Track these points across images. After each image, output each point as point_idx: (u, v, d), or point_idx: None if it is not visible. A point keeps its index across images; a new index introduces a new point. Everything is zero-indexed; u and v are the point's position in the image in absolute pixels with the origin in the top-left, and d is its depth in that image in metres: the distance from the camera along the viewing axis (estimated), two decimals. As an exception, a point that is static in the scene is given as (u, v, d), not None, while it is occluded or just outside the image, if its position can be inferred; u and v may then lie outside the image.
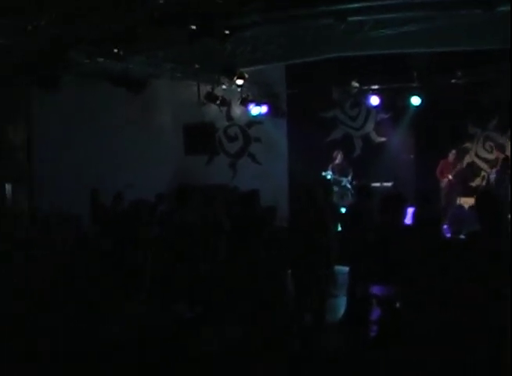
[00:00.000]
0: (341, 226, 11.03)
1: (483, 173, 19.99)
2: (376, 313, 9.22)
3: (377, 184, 18.68)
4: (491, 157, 20.18)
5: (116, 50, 12.88)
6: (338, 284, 11.17)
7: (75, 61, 13.39)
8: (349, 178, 18.45)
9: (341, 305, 10.72)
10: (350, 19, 12.25)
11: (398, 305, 8.02)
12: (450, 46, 14.67)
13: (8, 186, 15.82)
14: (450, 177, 18.84)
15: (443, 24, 12.62)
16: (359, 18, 12.59)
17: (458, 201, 18.29)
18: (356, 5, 11.57)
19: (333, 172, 18.50)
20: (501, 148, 19.37)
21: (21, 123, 15.89)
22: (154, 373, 7.44)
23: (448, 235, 13.44)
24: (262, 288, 8.77)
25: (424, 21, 12.61)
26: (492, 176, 18.87)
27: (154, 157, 17.58)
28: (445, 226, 13.55)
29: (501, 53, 14.62)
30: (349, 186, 18.08)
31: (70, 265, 9.11)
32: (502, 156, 18.74)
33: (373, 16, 12.51)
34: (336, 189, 17.96)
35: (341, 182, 18.26)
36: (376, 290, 9.25)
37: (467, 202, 17.70)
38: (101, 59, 13.65)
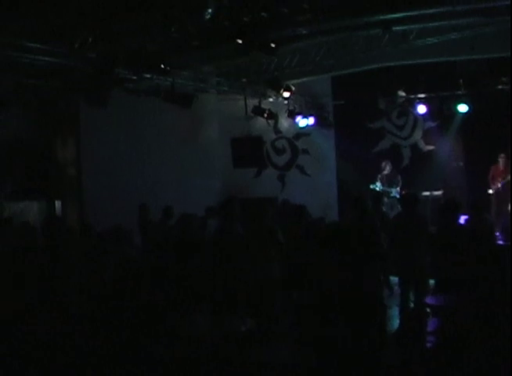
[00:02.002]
0: (390, 236, 10.99)
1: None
2: (432, 324, 9.17)
3: (427, 193, 18.61)
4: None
5: (163, 65, 13.00)
6: (393, 294, 11.17)
7: (122, 77, 13.57)
8: (398, 188, 18.32)
9: (394, 315, 10.67)
10: (394, 28, 12.31)
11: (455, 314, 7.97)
12: (495, 52, 14.60)
13: (58, 203, 16.01)
14: (499, 184, 18.65)
15: (487, 31, 12.62)
16: (404, 27, 12.63)
17: (509, 208, 18.13)
18: (400, 14, 11.61)
19: (382, 183, 18.41)
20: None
21: (71, 139, 16.11)
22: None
23: (501, 242, 13.32)
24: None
25: (468, 28, 12.63)
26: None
27: (203, 170, 17.74)
28: (497, 234, 13.40)
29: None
30: (398, 196, 17.92)
31: (123, 282, 9.18)
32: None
33: (417, 24, 12.53)
34: (385, 200, 17.87)
35: (390, 192, 18.16)
36: (430, 300, 9.21)
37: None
38: (148, 75, 13.82)
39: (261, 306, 9.32)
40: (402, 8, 11.42)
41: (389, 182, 18.46)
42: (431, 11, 11.50)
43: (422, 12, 11.59)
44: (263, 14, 10.75)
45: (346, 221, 12.74)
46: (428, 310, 9.52)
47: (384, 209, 16.92)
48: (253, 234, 10.14)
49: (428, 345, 9.02)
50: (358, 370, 7.18)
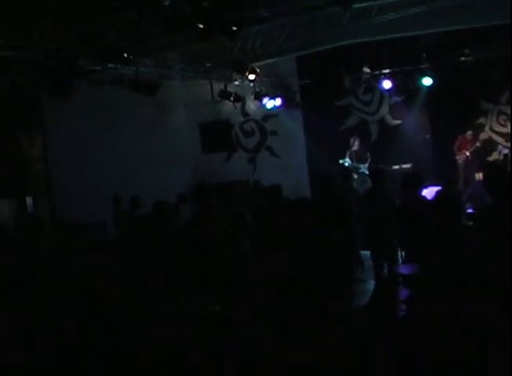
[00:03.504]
0: (361, 211, 11.12)
1: (500, 147, 20.04)
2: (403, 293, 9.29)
3: (396, 166, 18.77)
4: (505, 130, 20.27)
5: (125, 54, 12.94)
6: (365, 269, 11.28)
7: (86, 68, 13.50)
8: (367, 164, 18.42)
9: (371, 288, 10.83)
10: (355, 6, 12.37)
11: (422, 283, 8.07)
12: (456, 25, 14.71)
13: (29, 200, 15.90)
14: (468, 153, 18.92)
15: (445, 4, 12.72)
16: (364, 5, 12.70)
17: (477, 177, 18.36)
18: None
19: (351, 159, 18.50)
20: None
21: (36, 134, 16.01)
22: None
23: (470, 211, 13.50)
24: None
25: (428, 2, 12.72)
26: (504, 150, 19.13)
27: (172, 157, 17.69)
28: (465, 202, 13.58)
29: (506, 28, 14.71)
30: (367, 172, 18.00)
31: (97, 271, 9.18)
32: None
33: (376, 1, 12.61)
34: (355, 176, 17.98)
35: (359, 168, 18.23)
36: (404, 269, 9.33)
37: (487, 177, 17.75)
38: (111, 65, 13.76)
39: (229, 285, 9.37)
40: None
41: (358, 157, 18.53)
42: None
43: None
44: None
45: (317, 199, 12.81)
46: (400, 279, 9.67)
47: (355, 185, 17.10)
48: (221, 217, 10.19)
49: (400, 313, 9.15)
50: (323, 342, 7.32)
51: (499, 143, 20.21)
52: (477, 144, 19.54)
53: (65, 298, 8.25)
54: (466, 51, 17.63)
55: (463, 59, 17.79)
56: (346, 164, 18.41)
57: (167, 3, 10.20)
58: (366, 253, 11.08)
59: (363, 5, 12.81)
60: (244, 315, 8.63)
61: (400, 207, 10.24)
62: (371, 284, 10.79)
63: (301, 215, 9.72)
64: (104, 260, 9.01)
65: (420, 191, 9.98)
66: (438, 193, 12.98)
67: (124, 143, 16.64)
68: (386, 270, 10.72)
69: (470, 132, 19.31)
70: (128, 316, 7.78)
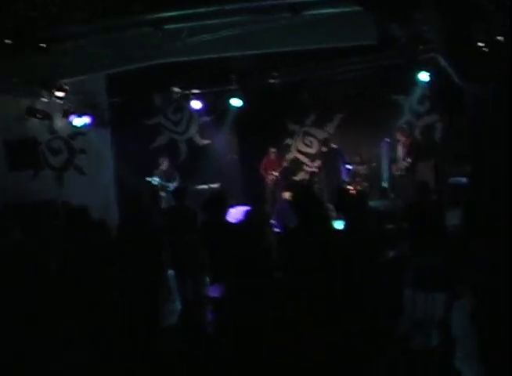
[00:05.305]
0: (166, 230, 11.17)
1: (305, 167, 20.79)
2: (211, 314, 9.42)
3: (205, 186, 18.98)
4: (312, 151, 21.03)
5: None
6: (173, 288, 11.29)
7: None
8: (175, 183, 18.47)
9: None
10: (166, 27, 12.44)
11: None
12: (264, 48, 15.08)
13: None
14: (275, 173, 19.40)
15: (256, 28, 13.04)
16: (175, 26, 12.79)
17: (283, 196, 18.89)
18: (171, 13, 11.78)
19: (160, 178, 18.50)
20: (322, 142, 20.07)
21: None
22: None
23: (278, 230, 13.86)
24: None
25: (238, 25, 12.99)
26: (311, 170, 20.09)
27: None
28: (273, 221, 13.91)
29: (311, 53, 15.40)
30: (176, 191, 18.03)
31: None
32: (324, 149, 19.45)
33: (188, 23, 12.74)
34: (163, 194, 18.03)
35: (168, 187, 18.26)
36: (212, 291, 9.43)
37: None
38: None
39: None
40: (173, 7, 11.60)
41: (167, 177, 18.58)
42: (202, 10, 11.74)
43: (192, 11, 11.81)
44: (33, 14, 10.55)
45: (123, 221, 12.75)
46: (206, 301, 9.77)
47: (163, 203, 17.19)
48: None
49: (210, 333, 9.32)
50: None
51: (305, 163, 20.94)
52: (286, 164, 20.15)
53: None
54: (275, 74, 18.11)
55: (271, 81, 18.25)
56: (154, 182, 18.39)
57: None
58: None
59: (174, 26, 12.86)
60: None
61: (201, 229, 10.31)
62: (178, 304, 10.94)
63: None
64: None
65: (224, 213, 10.06)
66: (246, 213, 13.30)
67: None
68: (191, 290, 10.81)
69: (273, 150, 19.82)
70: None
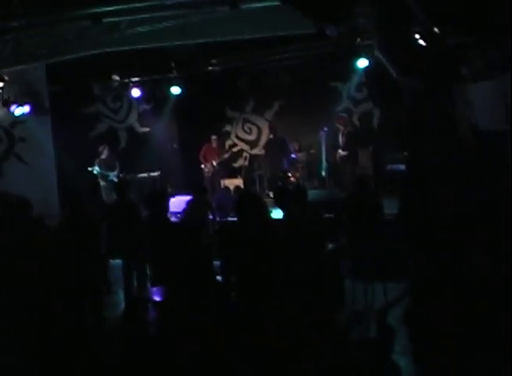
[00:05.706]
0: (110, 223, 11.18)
1: (244, 154, 20.97)
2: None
3: (145, 175, 19.09)
4: (251, 137, 21.25)
5: None
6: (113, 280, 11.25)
7: None
8: (116, 172, 18.53)
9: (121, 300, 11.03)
10: (105, 20, 12.50)
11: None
12: (203, 37, 15.23)
13: None
14: (215, 163, 19.49)
15: (195, 19, 13.18)
16: (114, 19, 12.86)
17: (222, 184, 19.08)
18: (110, 8, 11.83)
19: (100, 167, 18.49)
20: (268, 129, 20.40)
21: None
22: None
23: (217, 219, 14.02)
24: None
25: (177, 18, 13.11)
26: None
27: None
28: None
29: (251, 41, 15.69)
30: (116, 180, 17.99)
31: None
32: (271, 136, 19.59)
33: (127, 17, 12.81)
34: (103, 183, 18.07)
35: (108, 176, 18.26)
36: (154, 293, 9.51)
37: (233, 183, 18.56)
38: None
39: None
40: (112, 1, 11.68)
41: (107, 165, 18.56)
42: (141, 5, 11.85)
43: (132, 5, 11.90)
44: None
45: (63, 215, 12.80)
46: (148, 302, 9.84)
47: (104, 193, 17.23)
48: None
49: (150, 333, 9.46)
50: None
51: (244, 150, 21.13)
52: (226, 156, 20.22)
53: None
54: (214, 61, 18.23)
55: (210, 68, 18.39)
56: (95, 172, 18.37)
57: None
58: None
59: (113, 19, 12.91)
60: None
61: (146, 224, 10.30)
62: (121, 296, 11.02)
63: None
64: None
65: (164, 207, 10.04)
66: (188, 202, 13.47)
67: None
68: (135, 283, 10.84)
69: (214, 137, 19.84)
70: None
